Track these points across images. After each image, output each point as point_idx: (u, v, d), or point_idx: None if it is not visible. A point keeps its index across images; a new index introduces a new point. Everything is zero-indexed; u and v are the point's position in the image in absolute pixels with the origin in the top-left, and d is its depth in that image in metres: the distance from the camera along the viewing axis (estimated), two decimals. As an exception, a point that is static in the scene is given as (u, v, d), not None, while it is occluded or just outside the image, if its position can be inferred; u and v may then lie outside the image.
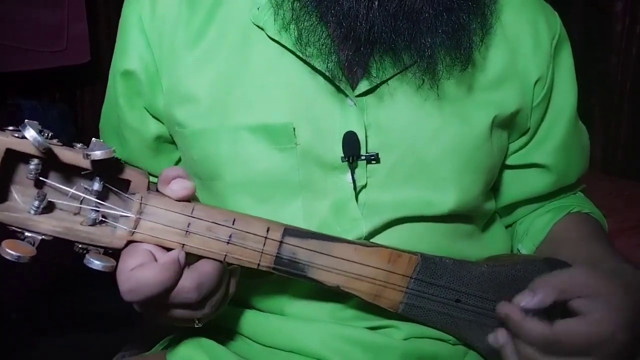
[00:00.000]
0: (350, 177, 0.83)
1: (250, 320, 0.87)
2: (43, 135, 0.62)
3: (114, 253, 0.70)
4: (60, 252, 0.73)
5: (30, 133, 0.60)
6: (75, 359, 1.93)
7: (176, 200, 0.72)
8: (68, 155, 0.66)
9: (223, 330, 0.89)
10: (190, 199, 0.73)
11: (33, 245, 0.65)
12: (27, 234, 0.66)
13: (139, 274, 0.67)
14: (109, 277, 0.70)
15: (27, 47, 2.47)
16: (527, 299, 0.73)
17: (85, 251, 0.68)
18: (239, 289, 0.79)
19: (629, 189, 1.85)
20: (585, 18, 2.31)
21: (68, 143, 0.66)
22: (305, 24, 0.79)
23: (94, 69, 2.58)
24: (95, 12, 2.66)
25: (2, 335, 1.96)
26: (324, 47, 0.79)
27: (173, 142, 0.93)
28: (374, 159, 0.83)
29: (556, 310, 0.75)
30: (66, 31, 2.52)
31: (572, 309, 0.74)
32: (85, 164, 0.66)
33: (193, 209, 0.71)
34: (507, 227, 1.05)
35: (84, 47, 2.56)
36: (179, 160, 0.96)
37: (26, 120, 0.61)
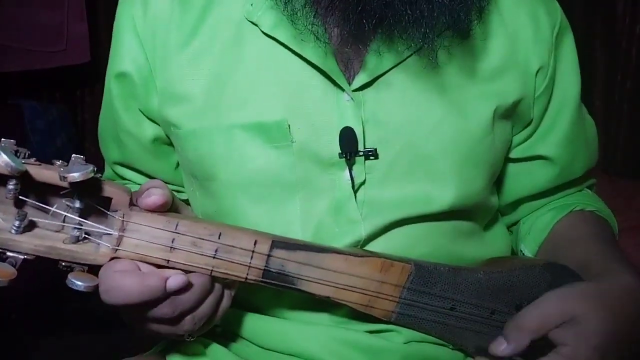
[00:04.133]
0: (348, 173, 0.81)
1: (250, 323, 0.86)
2: (20, 156, 0.60)
3: (99, 270, 0.69)
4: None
5: (2, 159, 0.58)
6: (76, 359, 1.93)
7: (147, 210, 0.70)
8: (47, 174, 0.64)
9: (223, 331, 0.88)
10: (166, 209, 0.71)
11: (15, 265, 0.64)
12: (8, 253, 0.65)
13: (120, 276, 0.67)
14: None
15: (27, 47, 2.47)
16: (501, 349, 0.73)
17: (69, 269, 0.68)
18: (239, 291, 0.79)
19: (629, 189, 1.85)
20: (585, 18, 2.29)
21: (48, 160, 0.65)
22: None
23: (94, 69, 2.57)
24: (95, 12, 2.66)
25: (2, 335, 1.97)
26: (309, 13, 0.77)
27: (171, 144, 0.92)
28: (372, 154, 0.81)
29: (541, 343, 0.74)
30: (66, 31, 2.52)
31: (551, 340, 0.74)
32: (65, 183, 0.65)
33: (177, 225, 0.70)
34: (509, 227, 1.04)
35: (84, 47, 2.56)
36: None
37: (2, 141, 0.59)
